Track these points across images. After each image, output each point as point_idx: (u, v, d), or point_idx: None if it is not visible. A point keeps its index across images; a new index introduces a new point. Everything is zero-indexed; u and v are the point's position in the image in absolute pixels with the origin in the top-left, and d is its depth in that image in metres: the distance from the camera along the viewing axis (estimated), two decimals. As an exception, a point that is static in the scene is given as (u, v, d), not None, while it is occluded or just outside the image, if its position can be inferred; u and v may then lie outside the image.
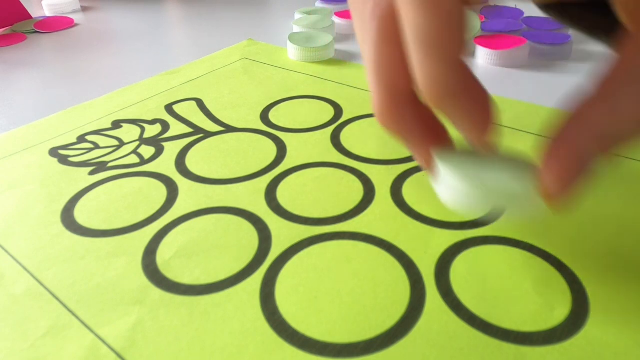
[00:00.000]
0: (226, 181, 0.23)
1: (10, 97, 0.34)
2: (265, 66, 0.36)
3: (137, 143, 0.27)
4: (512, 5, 0.44)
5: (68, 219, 0.21)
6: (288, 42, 0.37)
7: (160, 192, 0.23)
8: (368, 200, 0.21)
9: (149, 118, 0.29)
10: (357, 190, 0.22)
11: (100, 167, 0.25)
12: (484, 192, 0.16)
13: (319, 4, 0.50)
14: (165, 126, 0.28)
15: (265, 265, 0.18)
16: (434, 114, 0.18)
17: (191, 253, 0.19)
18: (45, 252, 0.19)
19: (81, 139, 0.27)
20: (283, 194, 0.22)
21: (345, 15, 0.44)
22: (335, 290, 0.17)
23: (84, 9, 0.55)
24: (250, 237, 0.20)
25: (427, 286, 0.17)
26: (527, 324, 0.16)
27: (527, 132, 0.26)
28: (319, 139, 0.26)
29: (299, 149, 0.25)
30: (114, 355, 0.15)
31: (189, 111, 0.30)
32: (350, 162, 0.24)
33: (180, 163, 0.25)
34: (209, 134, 0.27)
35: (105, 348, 0.15)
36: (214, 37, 0.44)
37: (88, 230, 0.20)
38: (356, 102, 0.30)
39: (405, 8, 0.14)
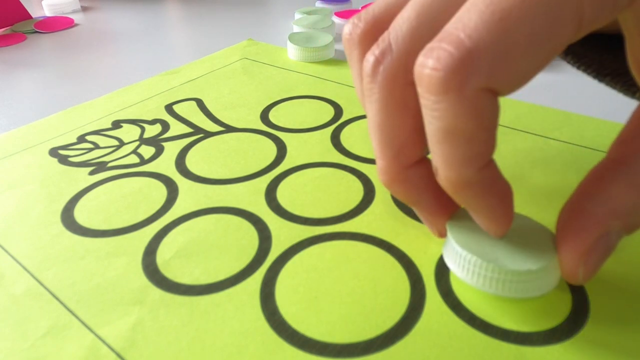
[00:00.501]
0: (226, 181, 0.23)
1: (10, 97, 0.34)
2: (265, 66, 0.36)
3: (137, 143, 0.27)
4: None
5: (68, 219, 0.21)
6: (288, 42, 0.37)
7: (160, 192, 0.23)
8: (368, 200, 0.21)
9: (149, 118, 0.29)
10: (357, 190, 0.22)
11: (100, 167, 0.25)
12: (496, 272, 0.15)
13: (319, 4, 0.50)
14: (165, 126, 0.28)
15: (265, 265, 0.18)
16: None
17: (191, 253, 0.19)
18: (45, 252, 0.19)
19: (81, 139, 0.27)
20: (283, 194, 0.22)
21: (345, 15, 0.44)
22: (335, 291, 0.17)
23: (84, 9, 0.55)
24: (250, 237, 0.20)
25: (427, 286, 0.17)
26: (527, 324, 0.16)
27: (527, 132, 0.26)
28: (319, 139, 0.26)
29: (299, 149, 0.25)
30: (114, 355, 0.15)
31: (189, 111, 0.30)
32: (350, 162, 0.24)
33: (180, 163, 0.25)
34: (209, 134, 0.27)
35: (105, 348, 0.15)
36: (214, 37, 0.44)
37: (88, 230, 0.20)
38: (356, 102, 0.30)
39: (431, 99, 0.12)
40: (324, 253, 0.19)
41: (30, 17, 0.50)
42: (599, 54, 0.18)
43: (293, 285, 0.17)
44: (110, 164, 0.25)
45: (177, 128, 0.28)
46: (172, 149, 0.26)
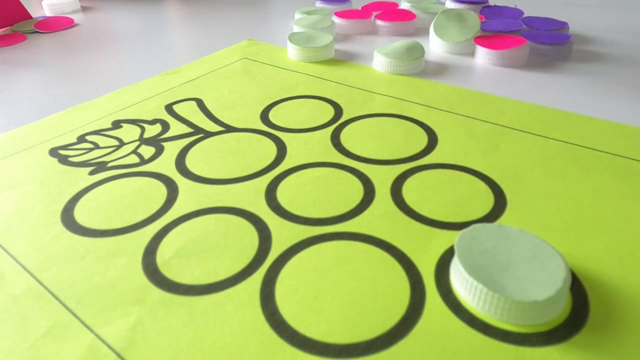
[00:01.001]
0: (226, 181, 0.23)
1: (10, 97, 0.34)
2: (265, 66, 0.36)
3: (137, 143, 0.27)
4: (512, 5, 0.44)
5: (68, 219, 0.21)
6: (288, 42, 0.37)
7: (160, 192, 0.23)
8: (368, 200, 0.21)
9: (149, 118, 0.29)
10: (357, 190, 0.22)
11: (100, 167, 0.25)
12: (502, 301, 0.15)
13: (319, 4, 0.50)
14: (165, 126, 0.28)
15: (265, 265, 0.18)
16: None
17: (191, 253, 0.19)
18: (45, 252, 0.19)
19: (81, 139, 0.27)
20: (283, 194, 0.22)
21: (345, 15, 0.44)
22: (335, 291, 0.17)
23: (84, 9, 0.55)
24: (250, 237, 0.20)
25: (427, 287, 0.17)
26: (526, 325, 0.16)
27: (527, 132, 0.26)
28: (319, 139, 0.26)
29: (299, 149, 0.25)
30: (114, 355, 0.15)
31: (189, 111, 0.30)
32: (350, 162, 0.24)
33: (180, 163, 0.25)
34: (209, 134, 0.27)
35: (105, 348, 0.15)
36: (214, 37, 0.44)
37: (88, 230, 0.20)
38: (356, 102, 0.30)
39: None
40: (324, 253, 0.19)
41: (30, 17, 0.50)
42: None
43: (293, 285, 0.17)
44: (110, 164, 0.25)
45: (177, 128, 0.28)
46: (172, 149, 0.26)
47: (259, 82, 0.33)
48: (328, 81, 0.33)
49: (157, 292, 0.17)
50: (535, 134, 0.26)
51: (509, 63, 0.35)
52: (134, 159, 0.25)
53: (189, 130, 0.28)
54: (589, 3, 0.50)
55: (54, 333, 0.16)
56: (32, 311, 0.17)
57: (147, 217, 0.21)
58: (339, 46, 0.40)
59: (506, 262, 0.16)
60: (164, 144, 0.26)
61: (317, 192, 0.22)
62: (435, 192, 0.22)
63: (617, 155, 0.24)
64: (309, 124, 0.28)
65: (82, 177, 0.24)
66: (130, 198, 0.22)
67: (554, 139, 0.25)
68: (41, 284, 0.18)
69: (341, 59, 0.37)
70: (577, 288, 0.17)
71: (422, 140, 0.26)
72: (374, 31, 0.44)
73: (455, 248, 0.17)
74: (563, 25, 0.41)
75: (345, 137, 0.26)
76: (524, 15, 0.44)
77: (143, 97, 0.32)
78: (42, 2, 0.53)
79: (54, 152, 0.26)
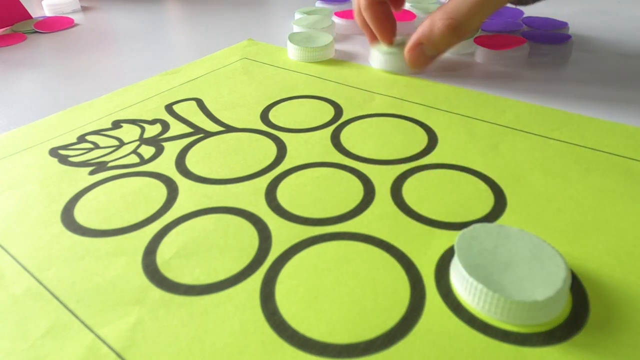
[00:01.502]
0: (226, 181, 0.23)
1: (10, 97, 0.34)
2: (265, 66, 0.36)
3: (137, 143, 0.27)
4: (512, 5, 0.44)
5: (68, 219, 0.21)
6: (288, 42, 0.37)
7: (160, 192, 0.23)
8: (368, 200, 0.21)
9: (149, 118, 0.29)
10: (357, 190, 0.22)
11: (100, 167, 0.25)
12: (502, 301, 0.15)
13: (319, 4, 0.50)
14: (165, 126, 0.28)
15: (265, 265, 0.18)
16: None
17: (191, 253, 0.19)
18: (45, 252, 0.19)
19: (81, 139, 0.27)
20: (283, 194, 0.22)
21: (345, 15, 0.44)
22: (335, 291, 0.17)
23: (84, 9, 0.55)
24: (250, 237, 0.20)
25: (427, 287, 0.17)
26: (526, 324, 0.16)
27: (527, 132, 0.26)
28: (319, 139, 0.26)
29: (299, 149, 0.25)
30: (114, 355, 0.15)
31: (189, 111, 0.30)
32: (350, 162, 0.24)
33: (180, 163, 0.25)
34: (209, 134, 0.27)
35: (105, 348, 0.15)
36: (214, 37, 0.44)
37: (88, 230, 0.20)
38: (356, 102, 0.30)
39: None
40: (324, 253, 0.19)
41: (30, 17, 0.50)
42: None
43: (293, 285, 0.17)
44: (110, 164, 0.25)
45: (177, 128, 0.28)
46: (172, 149, 0.26)
47: (259, 82, 0.33)
48: (328, 81, 0.33)
49: (157, 292, 0.17)
50: (535, 134, 0.26)
51: (509, 63, 0.35)
52: (134, 159, 0.25)
53: (189, 130, 0.28)
54: (589, 3, 0.50)
55: (54, 333, 0.16)
56: (32, 311, 0.17)
57: (147, 217, 0.21)
58: (339, 46, 0.40)
59: (506, 262, 0.16)
60: (164, 144, 0.26)
61: (317, 192, 0.22)
62: (435, 192, 0.22)
63: (617, 155, 0.24)
64: (309, 124, 0.28)
65: (82, 177, 0.24)
66: (130, 198, 0.22)
67: (554, 139, 0.25)
68: (41, 284, 0.18)
69: (341, 59, 0.37)
70: (577, 288, 0.17)
71: (422, 140, 0.26)
72: (374, 31, 0.44)
73: (455, 248, 0.17)
74: (563, 25, 0.41)
75: (345, 137, 0.26)
76: (524, 15, 0.44)
77: (143, 97, 0.32)
78: (42, 2, 0.53)
79: (54, 152, 0.26)
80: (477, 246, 0.17)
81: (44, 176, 0.24)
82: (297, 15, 0.45)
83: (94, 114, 0.30)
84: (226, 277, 0.18)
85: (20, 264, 0.19)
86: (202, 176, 0.24)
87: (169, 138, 0.27)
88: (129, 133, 0.28)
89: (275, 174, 0.23)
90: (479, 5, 0.27)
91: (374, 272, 0.18)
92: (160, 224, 0.21)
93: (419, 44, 0.30)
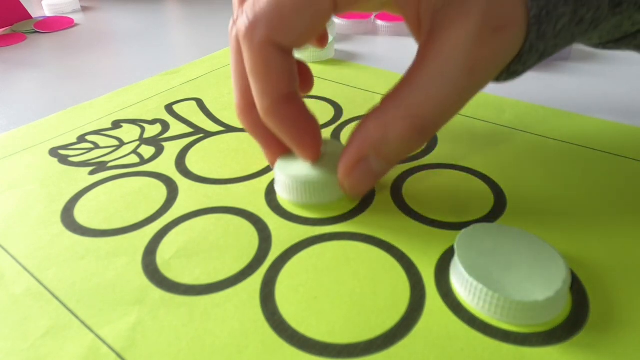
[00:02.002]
0: (226, 181, 0.23)
1: (10, 97, 0.34)
2: (265, 66, 0.36)
3: (137, 143, 0.27)
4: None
5: (68, 218, 0.21)
6: (288, 42, 0.37)
7: (160, 192, 0.23)
8: (368, 201, 0.21)
9: (149, 118, 0.29)
10: (357, 191, 0.22)
11: (100, 167, 0.25)
12: (502, 301, 0.15)
13: (319, 4, 0.50)
14: (165, 126, 0.28)
15: (265, 266, 0.18)
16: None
17: (191, 253, 0.19)
18: (45, 252, 0.19)
19: (81, 139, 0.27)
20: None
21: (345, 15, 0.44)
22: (335, 291, 0.17)
23: (84, 9, 0.55)
24: (250, 237, 0.20)
25: (427, 287, 0.17)
26: (526, 325, 0.16)
27: (527, 132, 0.26)
28: (319, 139, 0.26)
29: (299, 149, 0.25)
30: (114, 355, 0.15)
31: (189, 111, 0.30)
32: (350, 162, 0.24)
33: (180, 163, 0.25)
34: (209, 134, 0.27)
35: (105, 348, 0.15)
36: (214, 37, 0.44)
37: (88, 230, 0.20)
38: (356, 102, 0.30)
39: (242, 45, 0.18)
40: (324, 253, 0.19)
41: (30, 17, 0.50)
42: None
43: (293, 285, 0.17)
44: (110, 164, 0.25)
45: (177, 128, 0.28)
46: (172, 149, 0.26)
47: (259, 82, 0.33)
48: (328, 81, 0.33)
49: (157, 292, 0.17)
50: (535, 134, 0.26)
51: (509, 63, 0.35)
52: (134, 158, 0.25)
53: (189, 130, 0.28)
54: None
55: (54, 333, 0.16)
56: (32, 311, 0.17)
57: (147, 217, 0.21)
58: (339, 46, 0.40)
59: (506, 262, 0.16)
60: (164, 143, 0.26)
61: (317, 192, 0.22)
62: (435, 192, 0.22)
63: (617, 155, 0.24)
64: (309, 124, 0.28)
65: (82, 177, 0.24)
66: (130, 198, 0.22)
67: (554, 139, 0.25)
68: (41, 284, 0.18)
69: (341, 59, 0.37)
70: (577, 288, 0.17)
71: (422, 140, 0.26)
72: (374, 31, 0.44)
73: (455, 248, 0.17)
74: (563, 25, 0.41)
75: (345, 137, 0.26)
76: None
77: (143, 97, 0.32)
78: (42, 2, 0.53)
79: (54, 152, 0.26)
80: (477, 246, 0.17)
81: (44, 176, 0.24)
82: (297, 15, 0.45)
83: (94, 114, 0.30)
84: (226, 277, 0.18)
85: (20, 264, 0.19)
86: (202, 176, 0.24)
87: (169, 138, 0.27)
88: (129, 133, 0.28)
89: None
90: (457, 94, 0.17)
91: (374, 272, 0.18)
92: (160, 224, 0.21)
93: (362, 159, 0.19)
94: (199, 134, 0.27)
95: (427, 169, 0.23)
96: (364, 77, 0.34)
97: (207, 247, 0.19)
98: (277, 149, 0.22)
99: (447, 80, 0.16)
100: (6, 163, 0.25)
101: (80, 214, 0.21)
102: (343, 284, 0.17)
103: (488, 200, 0.21)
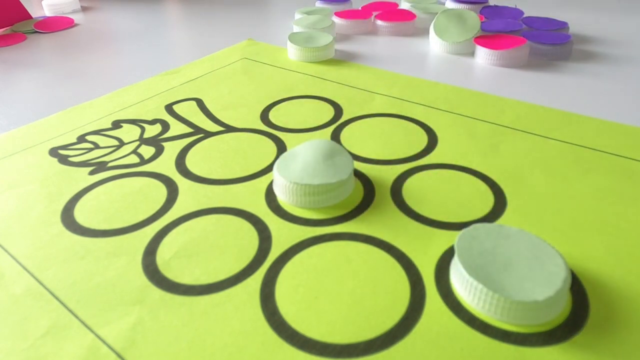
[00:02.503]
0: (226, 181, 0.23)
1: (10, 97, 0.34)
2: (265, 66, 0.36)
3: (137, 143, 0.27)
4: (512, 5, 0.44)
5: (68, 219, 0.21)
6: (288, 42, 0.37)
7: (160, 192, 0.23)
8: (368, 201, 0.21)
9: (149, 118, 0.29)
10: (357, 190, 0.22)
11: (100, 167, 0.25)
12: (502, 301, 0.15)
13: (319, 4, 0.50)
14: (165, 126, 0.28)
15: (265, 266, 0.18)
16: None
17: (191, 253, 0.19)
18: (45, 252, 0.19)
19: (81, 139, 0.27)
20: (283, 194, 0.22)
21: (345, 15, 0.44)
22: (335, 291, 0.17)
23: (84, 9, 0.55)
24: (250, 237, 0.20)
25: (427, 287, 0.17)
26: (526, 325, 0.16)
27: (527, 132, 0.26)
28: (319, 139, 0.26)
29: (299, 149, 0.25)
30: (114, 355, 0.15)
31: (189, 111, 0.30)
32: (350, 162, 0.24)
33: (180, 163, 0.25)
34: (209, 134, 0.27)
35: (105, 348, 0.15)
36: (214, 37, 0.44)
37: (88, 230, 0.20)
38: (356, 102, 0.30)
39: None
40: (324, 253, 0.19)
41: (30, 17, 0.50)
42: None
43: (293, 285, 0.17)
44: (110, 164, 0.25)
45: (177, 128, 0.28)
46: (172, 149, 0.26)
47: (259, 82, 0.33)
48: (328, 81, 0.33)
49: (157, 292, 0.17)
50: (535, 134, 0.26)
51: (509, 63, 0.35)
52: (134, 159, 0.25)
53: (189, 130, 0.28)
54: (589, 3, 0.50)
55: (54, 333, 0.16)
56: (32, 311, 0.17)
57: (147, 217, 0.21)
58: (339, 46, 0.40)
59: (506, 262, 0.16)
60: (164, 144, 0.26)
61: (317, 192, 0.22)
62: (435, 192, 0.22)
63: (617, 155, 0.24)
64: (309, 124, 0.28)
65: (82, 177, 0.24)
66: (130, 198, 0.22)
67: (554, 139, 0.25)
68: (41, 284, 0.18)
69: (341, 59, 0.37)
70: (577, 288, 0.17)
71: (422, 140, 0.26)
72: (374, 31, 0.44)
73: (455, 248, 0.17)
74: (563, 25, 0.41)
75: (345, 137, 0.26)
76: (524, 15, 0.44)
77: (143, 97, 0.32)
78: (42, 2, 0.53)
79: (54, 152, 0.26)
80: (477, 246, 0.17)
81: (44, 176, 0.24)
82: (297, 15, 0.45)
83: (94, 114, 0.30)
84: (226, 277, 0.18)
85: (20, 264, 0.19)
86: (202, 176, 0.24)
87: (169, 138, 0.27)
88: (129, 133, 0.28)
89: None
90: None
91: (374, 272, 0.18)
92: (160, 224, 0.21)
93: None
94: (199, 134, 0.27)
95: (427, 169, 0.23)
96: (364, 77, 0.34)
97: (207, 247, 0.19)
98: None
99: None
100: (6, 163, 0.25)
101: (80, 214, 0.21)
102: (343, 284, 0.17)
103: (488, 200, 0.21)
